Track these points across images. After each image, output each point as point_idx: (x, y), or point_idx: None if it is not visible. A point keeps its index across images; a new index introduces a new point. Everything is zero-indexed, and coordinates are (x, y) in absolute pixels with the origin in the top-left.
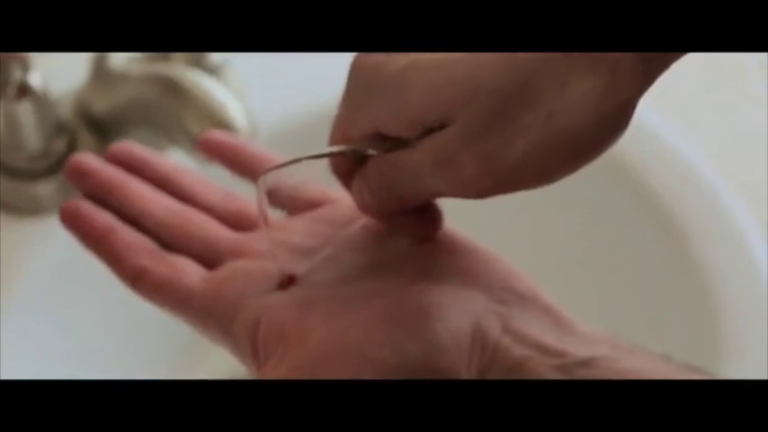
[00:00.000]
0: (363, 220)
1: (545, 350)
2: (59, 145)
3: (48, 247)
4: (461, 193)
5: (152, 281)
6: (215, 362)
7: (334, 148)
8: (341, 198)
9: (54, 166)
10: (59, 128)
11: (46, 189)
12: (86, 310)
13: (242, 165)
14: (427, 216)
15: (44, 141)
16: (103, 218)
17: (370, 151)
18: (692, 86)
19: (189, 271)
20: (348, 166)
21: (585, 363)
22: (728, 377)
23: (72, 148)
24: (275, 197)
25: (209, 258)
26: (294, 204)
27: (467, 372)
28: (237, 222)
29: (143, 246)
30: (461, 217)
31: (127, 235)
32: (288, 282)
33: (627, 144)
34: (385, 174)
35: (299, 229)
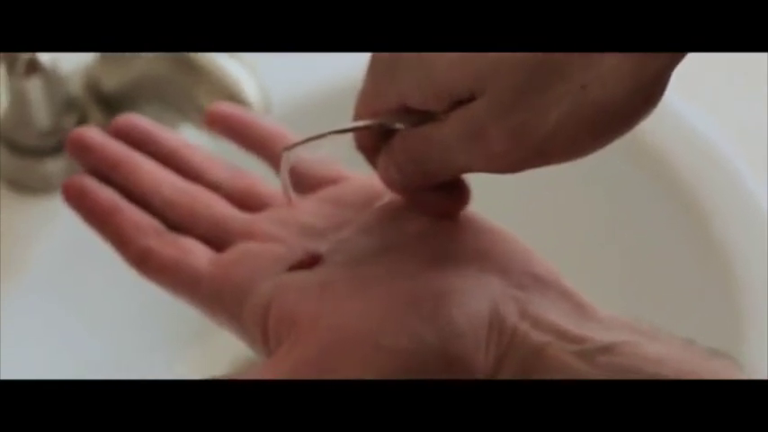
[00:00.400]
0: (382, 200)
1: (564, 336)
2: (69, 122)
3: (56, 225)
4: (490, 168)
5: (158, 262)
6: (228, 341)
7: (360, 123)
8: (351, 176)
9: (63, 143)
10: (69, 104)
11: (55, 167)
12: (95, 289)
13: (253, 140)
14: (455, 192)
15: (53, 118)
16: (108, 195)
17: (398, 125)
18: (715, 66)
19: (196, 253)
20: (373, 141)
21: (607, 348)
22: (750, 358)
23: (82, 124)
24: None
25: (216, 239)
26: (303, 182)
27: (484, 358)
28: (246, 201)
29: (149, 226)
30: (482, 195)
31: (132, 214)
32: (308, 263)
33: (649, 124)
34: (412, 148)
35: (307, 209)
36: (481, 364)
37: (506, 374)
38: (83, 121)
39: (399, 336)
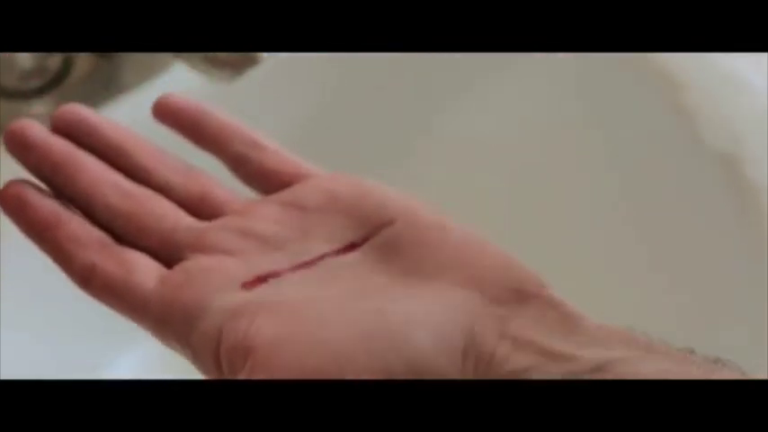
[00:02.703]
0: (345, 204)
1: (551, 355)
2: (54, 62)
3: None
4: None
5: (103, 281)
6: None
7: None
8: (313, 174)
9: (48, 84)
10: None
11: (40, 109)
12: None
13: (206, 136)
14: None
15: (37, 58)
16: (48, 206)
17: None
18: None
19: (143, 270)
20: None
21: (598, 368)
22: None
23: (68, 65)
24: (245, 172)
25: (166, 252)
26: (260, 179)
27: None
28: (200, 207)
29: (93, 239)
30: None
31: (75, 227)
32: (254, 282)
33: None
34: None
35: (266, 216)
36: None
37: None
38: (69, 60)
39: (366, 371)
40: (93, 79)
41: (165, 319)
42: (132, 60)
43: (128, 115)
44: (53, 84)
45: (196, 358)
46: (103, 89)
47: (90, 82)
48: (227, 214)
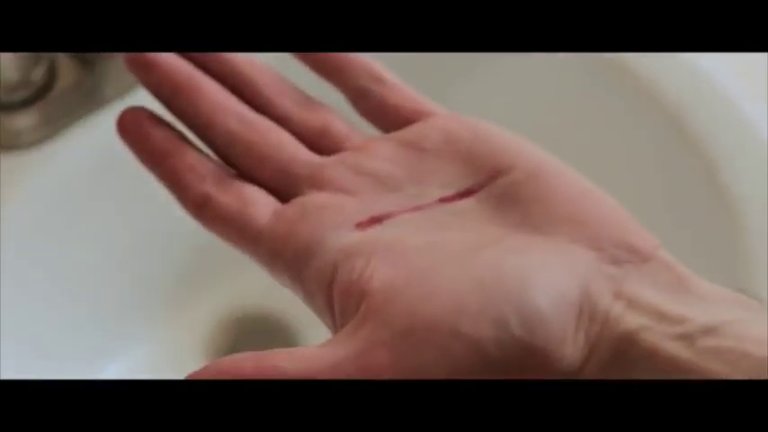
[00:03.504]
0: (458, 147)
1: (663, 316)
2: (38, 74)
3: (27, 183)
4: None
5: (217, 211)
6: (207, 299)
7: None
8: (434, 113)
9: (32, 97)
10: (37, 56)
11: (24, 122)
12: (68, 248)
13: (330, 66)
14: None
15: (21, 71)
16: (165, 134)
17: None
18: None
19: (258, 204)
20: None
21: (709, 330)
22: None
23: (52, 77)
24: (365, 106)
25: (282, 186)
26: (381, 113)
27: (572, 349)
28: (318, 141)
29: (208, 170)
30: None
31: (191, 157)
32: (369, 222)
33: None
34: None
35: (385, 154)
36: (567, 357)
37: (595, 364)
38: (53, 72)
39: (480, 321)
40: (78, 91)
41: (278, 254)
42: (116, 72)
43: (112, 127)
44: (37, 96)
45: (307, 295)
46: (87, 101)
47: (74, 94)
48: (345, 150)
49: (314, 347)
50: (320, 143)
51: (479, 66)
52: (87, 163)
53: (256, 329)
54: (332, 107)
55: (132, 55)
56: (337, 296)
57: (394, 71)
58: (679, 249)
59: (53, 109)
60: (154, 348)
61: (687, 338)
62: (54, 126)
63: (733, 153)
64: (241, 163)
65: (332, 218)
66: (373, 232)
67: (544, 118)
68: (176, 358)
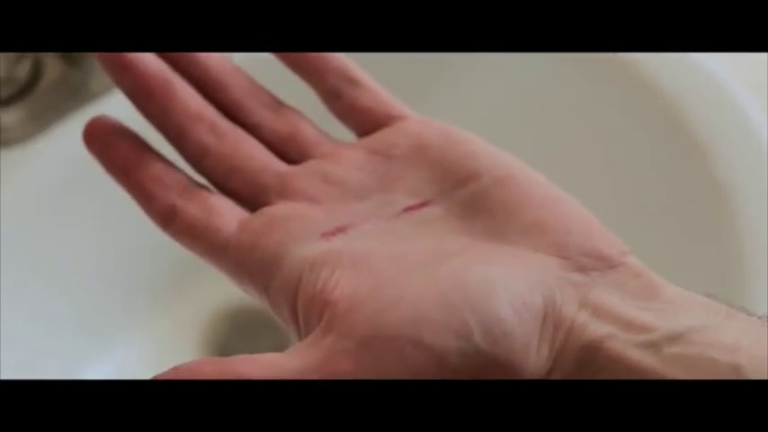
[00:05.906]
0: (432, 151)
1: (628, 324)
2: (22, 70)
3: (12, 180)
4: None
5: (183, 223)
6: (193, 297)
7: None
8: (405, 117)
9: (18, 93)
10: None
11: (9, 119)
12: (52, 244)
13: (306, 65)
14: None
15: (6, 67)
16: (132, 145)
17: None
18: None
19: (224, 214)
20: None
21: (675, 337)
22: (750, 301)
23: (37, 73)
24: (338, 107)
25: (253, 196)
26: (357, 118)
27: (535, 359)
28: (288, 147)
29: (174, 181)
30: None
31: (157, 168)
32: (334, 232)
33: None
34: None
35: (352, 162)
36: (531, 367)
37: (559, 373)
38: (37, 68)
39: (443, 332)
40: (63, 87)
41: (243, 265)
42: (101, 67)
43: None
44: (23, 92)
45: (272, 306)
46: (73, 96)
47: (60, 90)
48: (315, 156)
49: (277, 355)
50: (289, 148)
51: (479, 65)
52: (74, 159)
53: (247, 326)
54: (302, 112)
55: (107, 55)
56: (301, 306)
57: (394, 71)
58: (679, 247)
59: (39, 105)
60: (144, 346)
61: (653, 346)
62: (40, 122)
63: (733, 151)
64: (212, 173)
65: (298, 228)
66: (338, 242)
67: (544, 117)
68: (167, 356)
